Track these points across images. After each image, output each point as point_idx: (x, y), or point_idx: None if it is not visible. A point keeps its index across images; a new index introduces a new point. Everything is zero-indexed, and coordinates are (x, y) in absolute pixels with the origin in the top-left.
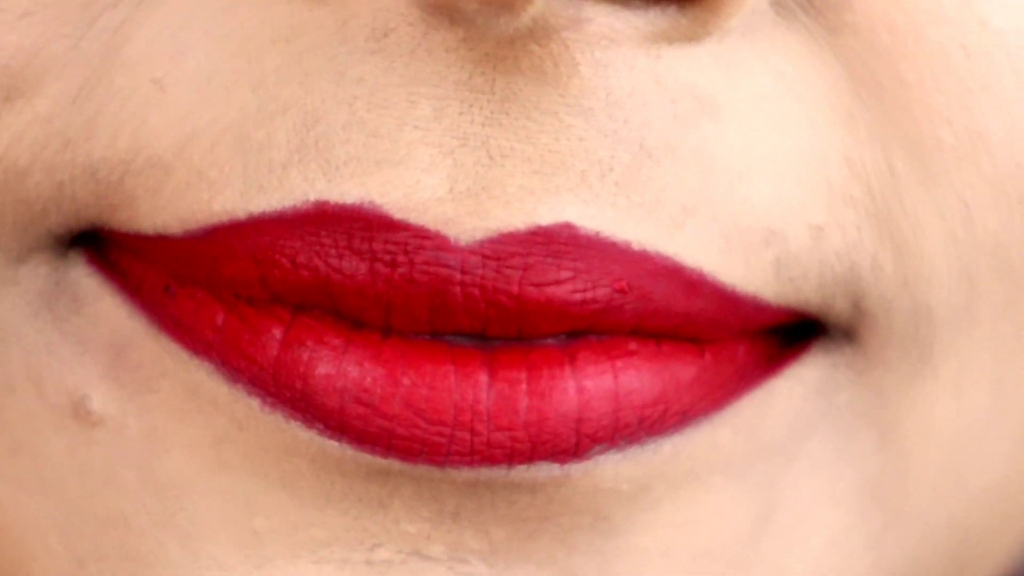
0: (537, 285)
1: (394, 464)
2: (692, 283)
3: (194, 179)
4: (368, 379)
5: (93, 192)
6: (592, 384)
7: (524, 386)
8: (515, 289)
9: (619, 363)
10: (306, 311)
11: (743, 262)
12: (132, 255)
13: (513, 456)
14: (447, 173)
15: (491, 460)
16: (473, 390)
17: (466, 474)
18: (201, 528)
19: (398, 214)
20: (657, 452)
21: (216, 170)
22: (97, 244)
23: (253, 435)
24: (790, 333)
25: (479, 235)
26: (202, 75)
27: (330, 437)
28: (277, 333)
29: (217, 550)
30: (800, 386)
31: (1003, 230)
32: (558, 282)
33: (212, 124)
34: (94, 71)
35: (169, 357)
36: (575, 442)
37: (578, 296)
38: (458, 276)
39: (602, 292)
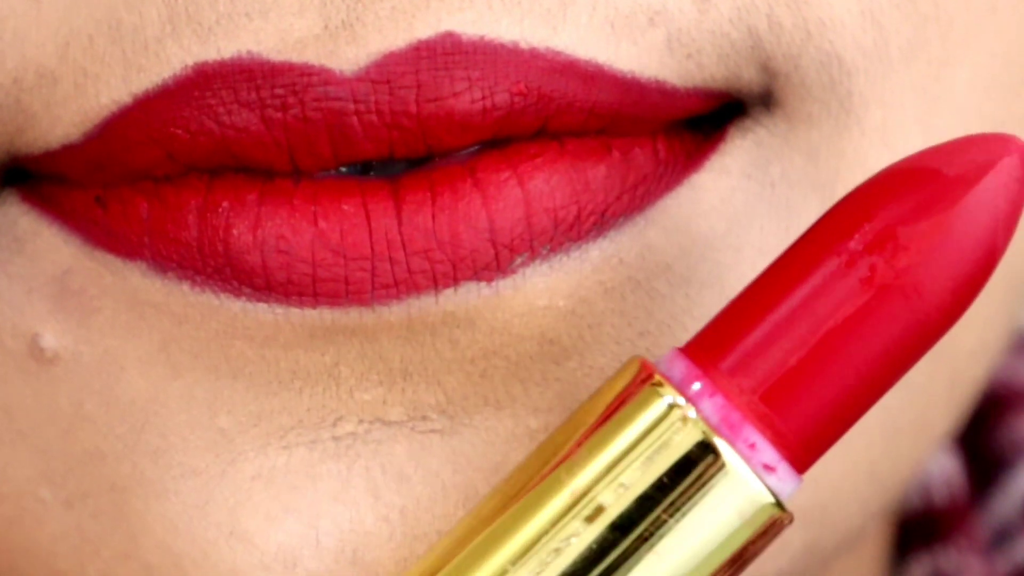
0: (434, 100)
1: (327, 316)
2: (589, 75)
3: (80, 79)
4: (284, 227)
5: None
6: (498, 192)
7: (430, 205)
8: (413, 108)
9: (522, 168)
10: (220, 175)
11: (634, 46)
12: (60, 182)
13: (437, 279)
14: (318, 12)
15: (416, 287)
16: (385, 219)
17: (397, 311)
18: (169, 439)
19: (277, 57)
20: (584, 259)
21: (98, 64)
22: (27, 181)
23: (192, 327)
24: (709, 126)
25: (362, 61)
26: None
27: (259, 299)
28: (195, 203)
29: (188, 457)
30: (725, 176)
31: None
32: (455, 94)
33: (87, 21)
34: None
35: (106, 270)
36: (494, 253)
37: (478, 105)
38: (351, 106)
39: (501, 98)
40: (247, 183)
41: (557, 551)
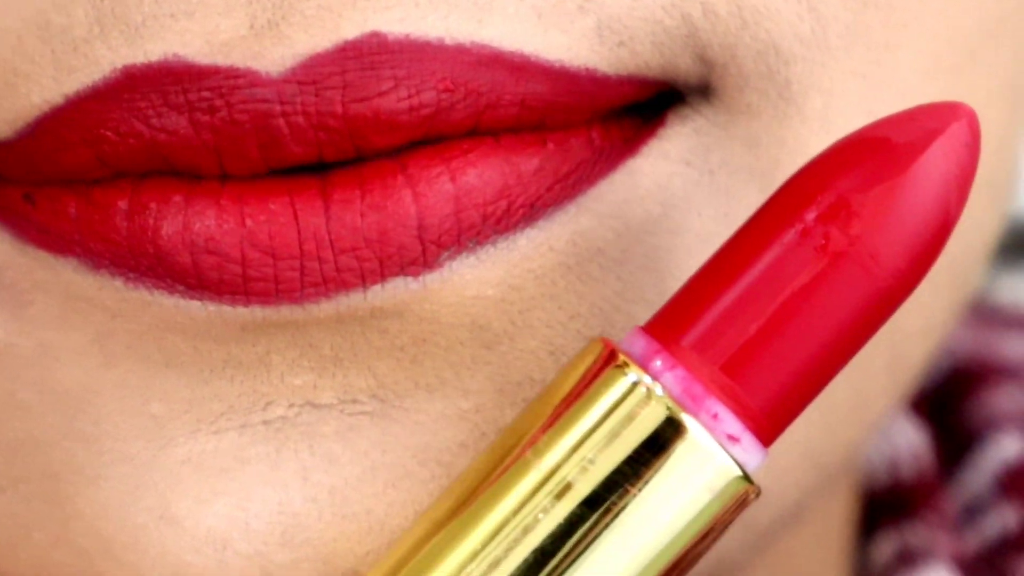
0: (361, 100)
1: (258, 312)
2: (516, 67)
3: (11, 77)
4: (213, 227)
5: None
6: (428, 188)
7: (359, 203)
8: (339, 109)
9: (455, 163)
10: (149, 177)
11: (563, 35)
12: None
13: (364, 276)
14: (244, 12)
15: (345, 285)
16: (313, 217)
17: (326, 308)
18: (102, 426)
19: (204, 60)
20: (512, 249)
21: (28, 63)
22: None
23: (126, 320)
24: (648, 112)
25: (288, 63)
26: None
27: (192, 297)
28: (123, 204)
29: (120, 444)
30: (663, 161)
31: None
32: (381, 94)
33: (14, 20)
34: None
35: (38, 265)
36: (421, 250)
37: (404, 104)
38: (278, 107)
39: (428, 96)
40: (174, 184)
41: (527, 529)
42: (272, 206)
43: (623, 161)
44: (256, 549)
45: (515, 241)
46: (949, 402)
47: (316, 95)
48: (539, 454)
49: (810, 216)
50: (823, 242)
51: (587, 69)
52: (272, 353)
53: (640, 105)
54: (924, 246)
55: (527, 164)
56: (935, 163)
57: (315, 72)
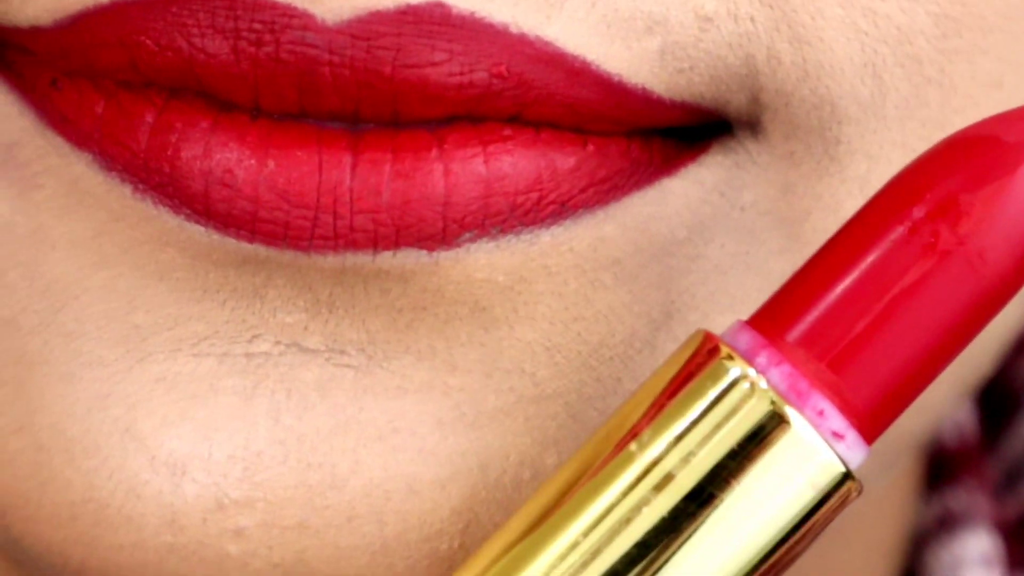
0: (411, 66)
1: (261, 250)
2: (575, 71)
3: None
4: (232, 161)
5: None
6: (461, 168)
7: (388, 168)
8: (387, 70)
9: (491, 148)
10: (180, 96)
11: (626, 50)
12: (22, 53)
13: (377, 241)
14: None
15: (355, 245)
16: (337, 172)
17: (332, 260)
18: (84, 325)
19: None
20: (534, 242)
21: None
22: None
23: (127, 225)
24: (692, 136)
25: (346, 14)
26: None
27: (197, 222)
28: (149, 117)
29: (98, 347)
30: (698, 187)
31: (906, 20)
32: (433, 64)
33: None
34: None
35: (53, 151)
36: (442, 227)
37: (454, 79)
38: (326, 56)
39: (480, 76)
40: (203, 109)
41: (627, 520)
42: (298, 152)
43: (659, 178)
44: (214, 480)
45: (538, 236)
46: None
47: (367, 52)
48: (643, 446)
49: (919, 213)
50: (932, 240)
51: (643, 88)
52: (268, 287)
53: (687, 128)
54: None
55: (564, 162)
56: None
57: (371, 29)
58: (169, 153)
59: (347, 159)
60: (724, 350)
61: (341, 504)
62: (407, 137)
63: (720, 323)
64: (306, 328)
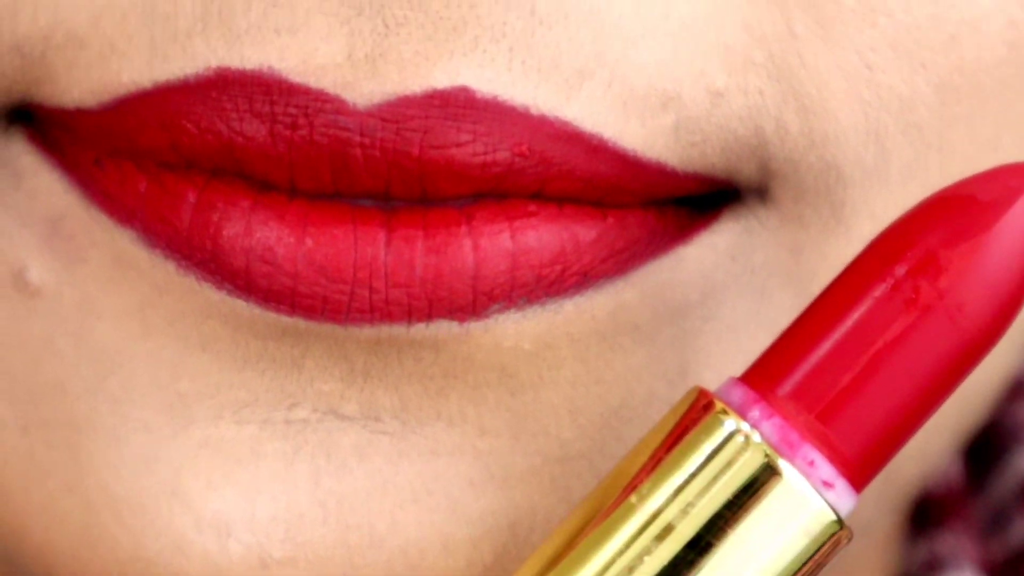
0: (437, 147)
1: (300, 323)
2: (592, 148)
3: (106, 51)
4: (272, 238)
5: (19, 68)
6: (489, 242)
7: (420, 243)
8: (415, 151)
9: (517, 223)
10: (220, 176)
11: (642, 126)
12: (66, 132)
13: (412, 313)
14: (344, 41)
15: (390, 317)
16: (372, 248)
17: (368, 332)
18: (130, 392)
19: (296, 78)
20: (559, 311)
21: (125, 41)
22: (35, 123)
23: (172, 299)
24: (704, 203)
25: (376, 99)
26: None
27: (239, 296)
28: (191, 197)
29: (145, 412)
30: (711, 252)
31: (908, 90)
32: (458, 144)
33: None
34: None
35: (98, 227)
36: (472, 299)
37: (478, 159)
38: (357, 138)
39: (503, 155)
40: (243, 189)
41: (631, 569)
42: (334, 230)
43: (674, 246)
44: (257, 540)
45: (562, 305)
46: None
47: (396, 134)
48: (642, 498)
49: (900, 270)
50: (913, 295)
51: (658, 162)
52: (307, 358)
53: (698, 196)
54: (1009, 299)
55: (586, 234)
56: (1019, 219)
57: (399, 113)
58: (211, 231)
59: (381, 235)
60: (718, 405)
61: (379, 562)
62: (437, 214)
63: None
64: (342, 396)
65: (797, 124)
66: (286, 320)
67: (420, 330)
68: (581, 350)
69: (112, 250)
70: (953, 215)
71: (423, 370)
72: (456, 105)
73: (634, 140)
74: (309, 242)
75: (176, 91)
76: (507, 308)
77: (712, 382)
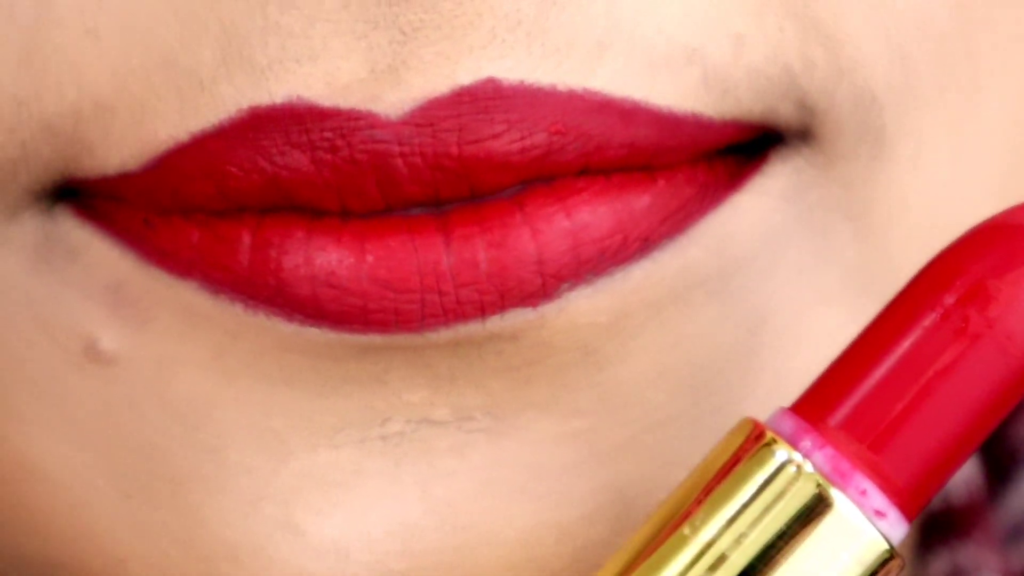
0: (474, 142)
1: (376, 339)
2: (627, 112)
3: (137, 113)
4: (334, 262)
5: (53, 146)
6: (546, 225)
7: (479, 240)
8: (455, 151)
9: (570, 201)
10: (271, 213)
11: (671, 83)
12: (112, 200)
13: (485, 308)
14: (364, 56)
15: (464, 316)
16: (433, 253)
17: (445, 334)
18: (224, 439)
19: (326, 102)
20: (627, 280)
21: (155, 99)
22: (79, 196)
23: (246, 341)
24: (751, 150)
25: (406, 107)
26: (128, 14)
27: (312, 324)
28: (246, 238)
29: (242, 456)
30: (765, 197)
31: (923, 6)
32: (494, 136)
33: (145, 59)
34: (32, 34)
35: (160, 285)
36: (541, 283)
37: (516, 145)
38: (396, 148)
39: (540, 138)
40: (296, 220)
41: None
42: (391, 243)
43: (728, 196)
44: (376, 558)
45: (630, 272)
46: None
47: (433, 137)
48: (695, 529)
49: (949, 300)
50: (962, 324)
51: (694, 115)
52: (389, 372)
53: (743, 145)
54: None
55: (638, 201)
56: None
57: (431, 115)
58: (272, 267)
59: (439, 240)
60: (769, 435)
61: (499, 557)
62: (490, 208)
63: (812, 320)
64: (431, 403)
65: (823, 55)
66: (362, 339)
67: (496, 322)
68: (656, 313)
69: (178, 304)
70: (1001, 244)
71: (506, 362)
72: (485, 98)
73: (666, 98)
74: (370, 259)
75: (213, 138)
76: (576, 285)
77: (789, 325)
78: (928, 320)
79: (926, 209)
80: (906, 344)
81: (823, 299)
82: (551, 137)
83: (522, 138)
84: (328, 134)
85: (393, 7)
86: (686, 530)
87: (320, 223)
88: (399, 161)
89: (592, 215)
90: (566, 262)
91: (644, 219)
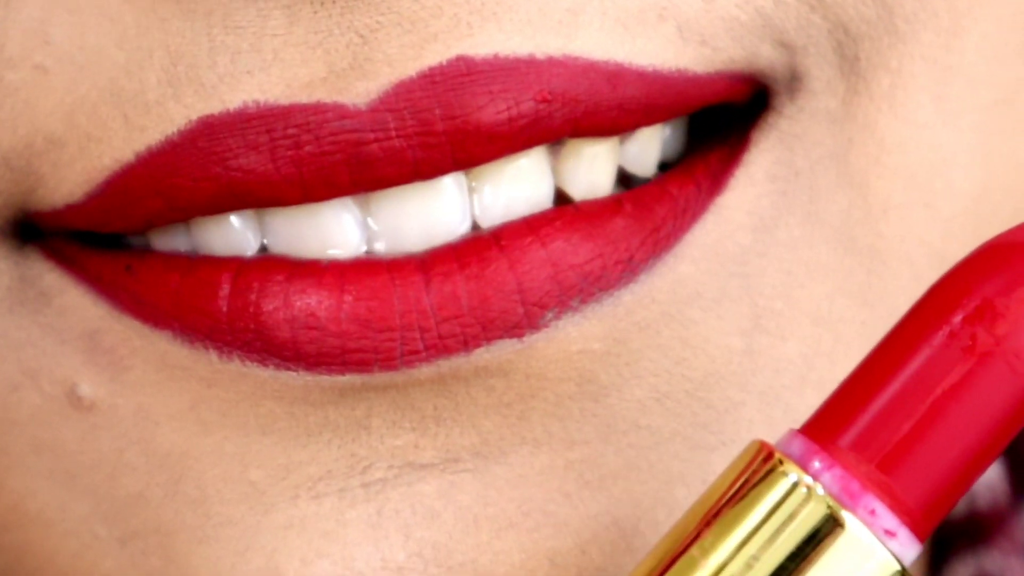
0: (459, 116)
1: (355, 379)
2: (611, 74)
3: (84, 143)
4: (313, 303)
5: (10, 180)
6: (522, 255)
7: (459, 275)
8: (439, 126)
9: (543, 231)
10: (253, 259)
11: (649, 41)
12: (74, 242)
13: (467, 341)
14: (322, 61)
15: (447, 350)
16: (413, 291)
17: (427, 370)
18: (205, 490)
19: (287, 101)
20: (618, 304)
21: (100, 128)
22: (45, 238)
23: (221, 389)
24: (738, 118)
25: (374, 94)
26: (74, 48)
27: (287, 368)
28: (226, 283)
29: (224, 508)
30: (751, 186)
31: None
32: (479, 108)
33: (91, 89)
34: None
35: (134, 334)
36: (523, 312)
37: (503, 115)
38: (370, 135)
39: (527, 106)
40: (277, 264)
41: None
42: (372, 283)
43: (712, 200)
44: None
45: (620, 297)
46: (1021, 433)
47: (413, 116)
48: (705, 552)
49: (957, 319)
50: (970, 343)
51: (678, 70)
52: (371, 416)
53: (726, 137)
54: None
55: (611, 224)
56: None
57: (404, 98)
58: (252, 310)
59: (419, 279)
60: (779, 457)
61: None
62: (467, 245)
63: (799, 298)
64: (416, 446)
65: None
66: (341, 381)
67: (482, 355)
68: (653, 337)
69: (153, 354)
70: (1007, 262)
71: (498, 398)
72: (458, 75)
73: (647, 56)
74: (349, 299)
75: (160, 154)
76: (563, 313)
77: (782, 313)
78: (936, 339)
79: (905, 151)
80: (914, 364)
81: (812, 272)
82: (538, 105)
83: (508, 108)
84: (292, 130)
85: (347, 15)
86: (696, 552)
87: (301, 266)
88: (374, 147)
89: (567, 242)
90: (548, 290)
91: (622, 240)
